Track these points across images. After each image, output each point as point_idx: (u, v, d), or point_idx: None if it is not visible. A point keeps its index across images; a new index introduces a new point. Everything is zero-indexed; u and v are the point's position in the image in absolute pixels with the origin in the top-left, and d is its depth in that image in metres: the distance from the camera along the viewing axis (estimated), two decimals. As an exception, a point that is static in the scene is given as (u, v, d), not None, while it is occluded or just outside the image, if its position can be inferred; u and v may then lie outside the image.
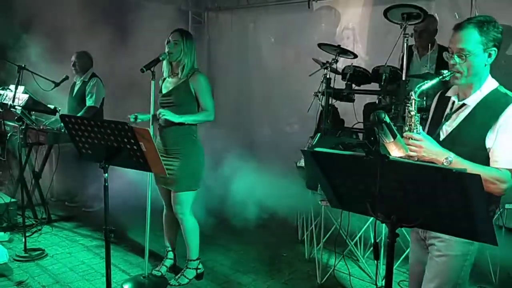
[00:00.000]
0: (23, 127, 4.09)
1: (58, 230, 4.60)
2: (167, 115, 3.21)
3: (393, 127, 1.69)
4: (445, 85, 2.17)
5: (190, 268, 3.56)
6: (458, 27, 1.93)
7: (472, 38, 1.89)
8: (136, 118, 3.38)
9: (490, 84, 1.98)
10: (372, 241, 3.92)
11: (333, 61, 4.49)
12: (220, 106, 6.83)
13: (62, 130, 4.42)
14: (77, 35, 5.69)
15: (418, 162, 1.76)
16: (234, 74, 7.43)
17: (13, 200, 4.54)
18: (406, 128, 1.92)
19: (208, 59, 7.87)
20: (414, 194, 1.58)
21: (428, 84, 1.93)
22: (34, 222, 4.61)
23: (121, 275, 3.62)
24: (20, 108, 4.30)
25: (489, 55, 1.93)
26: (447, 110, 2.08)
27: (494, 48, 1.92)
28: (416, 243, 2.19)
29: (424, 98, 3.74)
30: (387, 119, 1.64)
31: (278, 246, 4.32)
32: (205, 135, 3.69)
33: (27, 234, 4.03)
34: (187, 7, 7.78)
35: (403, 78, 4.01)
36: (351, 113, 4.72)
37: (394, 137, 1.73)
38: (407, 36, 4.00)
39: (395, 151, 1.78)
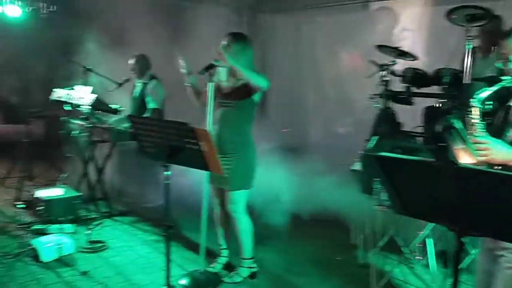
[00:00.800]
0: (89, 126, 4.29)
1: (118, 224, 4.79)
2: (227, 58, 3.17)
3: (463, 133, 1.65)
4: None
5: (243, 267, 3.61)
6: (510, 34, 1.97)
7: None
8: (189, 73, 3.46)
9: None
10: (429, 248, 3.81)
11: (391, 63, 4.40)
12: (273, 108, 6.91)
13: (124, 129, 4.61)
14: (134, 36, 5.90)
15: (487, 169, 1.71)
16: (288, 75, 7.45)
17: (78, 194, 4.78)
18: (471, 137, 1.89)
19: (262, 62, 7.92)
20: (483, 201, 1.53)
21: (487, 91, 1.93)
22: (96, 216, 4.83)
23: (177, 269, 3.72)
24: (88, 107, 4.52)
25: None
26: (510, 118, 2.04)
27: None
28: (485, 253, 2.12)
29: (491, 102, 3.58)
30: (457, 125, 1.61)
31: (331, 249, 4.29)
32: (259, 136, 3.72)
33: (89, 227, 4.24)
34: (242, 9, 7.89)
35: (466, 81, 3.87)
36: (407, 116, 4.61)
37: (464, 143, 1.70)
38: (470, 38, 3.85)
39: (465, 157, 1.75)
